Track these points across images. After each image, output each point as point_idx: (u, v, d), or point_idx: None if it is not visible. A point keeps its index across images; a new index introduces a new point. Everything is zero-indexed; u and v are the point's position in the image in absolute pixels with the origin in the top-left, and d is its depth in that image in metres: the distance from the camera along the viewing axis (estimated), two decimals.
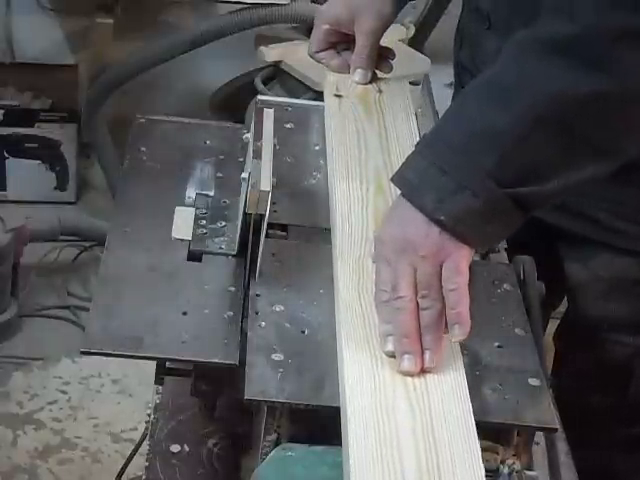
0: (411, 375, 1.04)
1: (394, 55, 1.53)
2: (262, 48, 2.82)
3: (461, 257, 1.06)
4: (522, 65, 1.07)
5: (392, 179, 1.13)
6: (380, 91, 1.49)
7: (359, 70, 1.49)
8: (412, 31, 2.48)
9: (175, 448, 1.23)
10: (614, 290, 1.44)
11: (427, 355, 1.06)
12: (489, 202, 1.04)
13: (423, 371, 1.05)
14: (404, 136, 1.39)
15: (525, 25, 1.31)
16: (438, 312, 1.06)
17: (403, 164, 1.12)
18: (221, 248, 1.24)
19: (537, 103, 1.05)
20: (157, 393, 1.29)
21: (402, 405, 1.01)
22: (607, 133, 1.07)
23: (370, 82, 1.50)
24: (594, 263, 1.44)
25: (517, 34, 1.11)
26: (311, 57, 1.54)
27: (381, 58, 1.50)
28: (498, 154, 1.04)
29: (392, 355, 1.06)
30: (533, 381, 1.10)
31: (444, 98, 1.63)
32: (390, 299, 1.08)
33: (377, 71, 1.50)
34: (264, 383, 1.04)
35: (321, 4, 2.76)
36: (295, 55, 2.80)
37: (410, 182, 1.08)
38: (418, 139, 1.18)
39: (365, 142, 1.36)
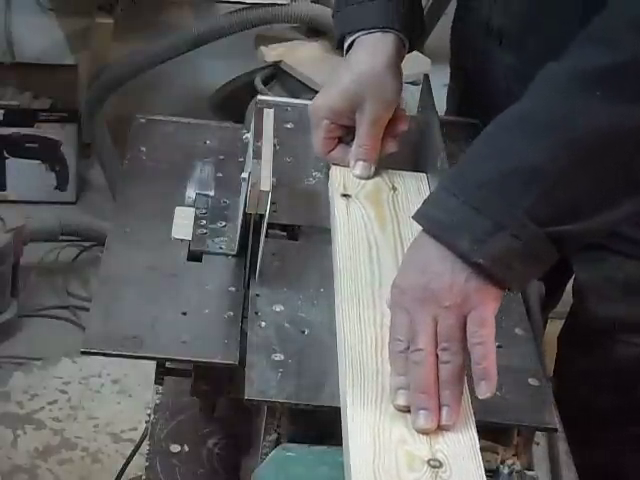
0: (426, 433, 0.99)
1: (405, 125, 1.36)
2: (262, 48, 2.82)
3: (487, 308, 1.00)
4: (559, 98, 1.02)
5: (415, 218, 1.05)
6: (394, 188, 1.32)
7: (361, 163, 1.32)
8: None
9: (175, 448, 1.23)
10: (626, 292, 1.43)
11: (445, 412, 0.99)
12: (528, 242, 0.99)
13: (439, 428, 0.99)
14: None
15: (540, 43, 1.30)
16: (459, 366, 1.00)
17: (428, 202, 1.05)
18: (221, 248, 1.24)
19: (577, 138, 0.99)
20: (157, 393, 1.29)
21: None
22: None
23: (379, 175, 1.33)
24: (605, 265, 1.43)
25: (548, 66, 1.05)
26: (319, 157, 1.37)
27: (385, 135, 1.34)
28: (536, 192, 0.99)
29: (403, 409, 1.01)
30: (533, 381, 1.10)
31: (444, 98, 1.62)
32: (406, 350, 1.01)
33: (383, 152, 1.34)
34: (264, 383, 1.04)
35: (321, 4, 2.76)
36: (295, 55, 2.81)
37: (441, 222, 1.01)
38: None
39: (378, 259, 1.19)
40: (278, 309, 1.15)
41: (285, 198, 1.32)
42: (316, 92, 2.85)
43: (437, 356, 1.00)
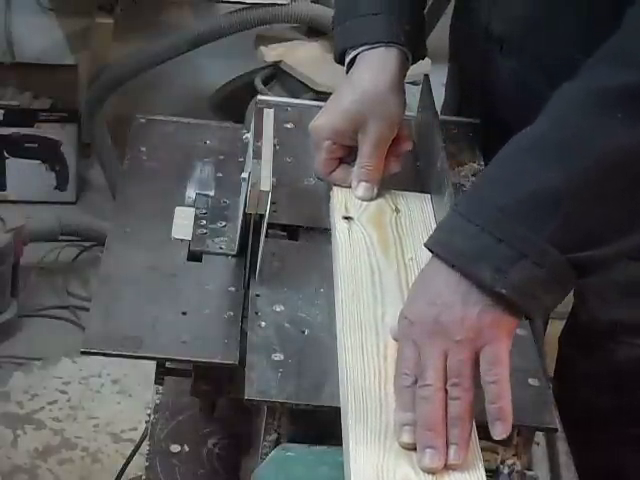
0: (433, 472, 0.95)
1: (409, 145, 1.32)
2: (262, 48, 2.82)
3: (501, 344, 0.97)
4: (578, 120, 0.99)
5: (429, 245, 1.01)
6: (397, 210, 1.28)
7: (363, 184, 1.28)
8: None
9: (175, 448, 1.23)
10: (627, 294, 1.43)
11: (452, 450, 0.95)
12: (551, 269, 0.96)
13: (446, 467, 0.95)
14: None
15: (542, 48, 1.28)
16: (469, 403, 0.96)
17: (443, 229, 1.02)
18: (221, 248, 1.24)
19: (598, 160, 0.96)
20: (157, 393, 1.29)
21: None
22: None
23: (382, 196, 1.29)
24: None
25: (564, 86, 1.02)
26: (321, 179, 1.33)
27: (388, 155, 1.30)
28: (557, 217, 0.96)
29: (408, 447, 0.97)
30: (533, 381, 1.10)
31: (443, 98, 1.62)
32: (414, 385, 0.97)
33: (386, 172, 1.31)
34: (264, 383, 1.04)
35: (321, 4, 2.76)
36: (295, 55, 2.81)
37: (458, 250, 0.97)
38: None
39: (381, 286, 1.15)
40: (278, 309, 1.15)
41: (285, 198, 1.32)
42: (316, 92, 2.85)
43: (446, 392, 0.96)
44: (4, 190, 3.02)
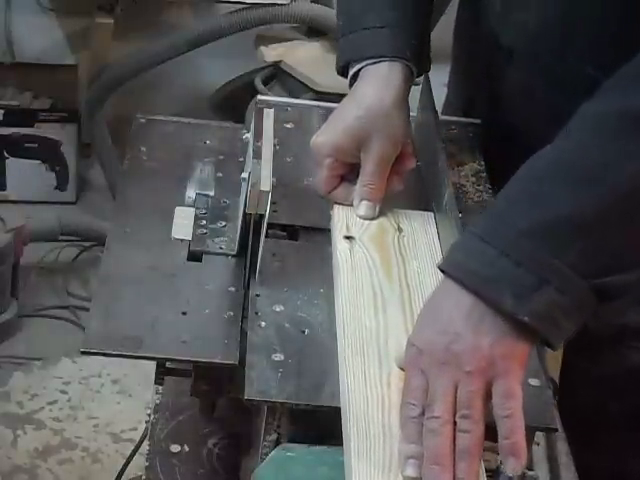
0: None
1: (412, 163, 1.28)
2: (262, 48, 2.82)
3: (514, 376, 0.94)
4: (606, 144, 0.96)
5: (444, 267, 0.98)
6: (400, 229, 1.24)
7: (365, 203, 1.24)
8: None
9: (175, 448, 1.23)
10: (636, 298, 1.42)
11: None
12: (574, 296, 0.94)
13: None
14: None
15: (553, 63, 1.25)
16: (478, 437, 0.93)
17: (459, 250, 0.98)
18: (221, 248, 1.24)
19: (625, 185, 0.94)
20: (157, 393, 1.29)
21: None
22: None
23: (384, 215, 1.25)
24: None
25: (586, 107, 0.99)
26: (322, 197, 1.28)
27: (391, 173, 1.26)
28: (581, 243, 0.93)
29: None
30: (533, 381, 1.10)
31: (444, 98, 1.62)
32: (421, 416, 0.94)
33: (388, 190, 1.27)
34: (264, 383, 1.04)
35: (321, 4, 2.76)
36: (295, 55, 2.81)
37: (478, 274, 0.94)
38: None
39: (384, 308, 1.11)
40: (278, 309, 1.15)
41: (285, 198, 1.32)
42: (316, 92, 2.85)
43: (454, 424, 0.93)
44: (4, 190, 3.03)
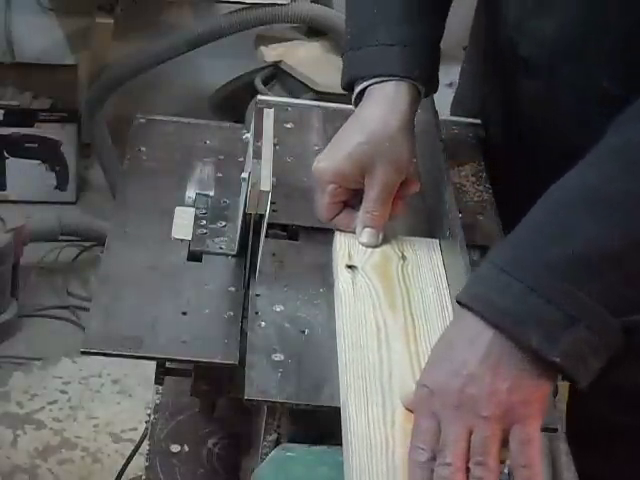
0: None
1: (416, 187, 1.24)
2: (262, 48, 2.83)
3: (533, 422, 0.90)
4: (629, 173, 0.93)
5: (464, 300, 0.93)
6: (404, 258, 1.20)
7: (368, 230, 1.20)
8: None
9: (175, 448, 1.23)
10: None
11: None
12: (604, 334, 0.90)
13: None
14: (436, 329, 1.10)
15: (571, 76, 1.22)
16: None
17: (478, 281, 0.93)
18: (221, 248, 1.24)
19: None
20: (157, 393, 1.29)
21: None
22: None
23: (387, 242, 1.22)
24: None
25: (610, 137, 0.97)
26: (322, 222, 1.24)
27: (395, 199, 1.22)
28: (610, 278, 0.90)
29: None
30: None
31: (444, 98, 1.62)
32: (430, 461, 0.89)
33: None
34: (264, 383, 1.04)
35: (321, 4, 2.76)
36: (295, 55, 2.81)
37: (504, 310, 0.89)
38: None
39: (387, 343, 1.07)
40: (278, 309, 1.15)
41: (285, 198, 1.32)
42: (316, 92, 2.85)
43: (468, 469, 0.89)
44: (4, 190, 3.03)
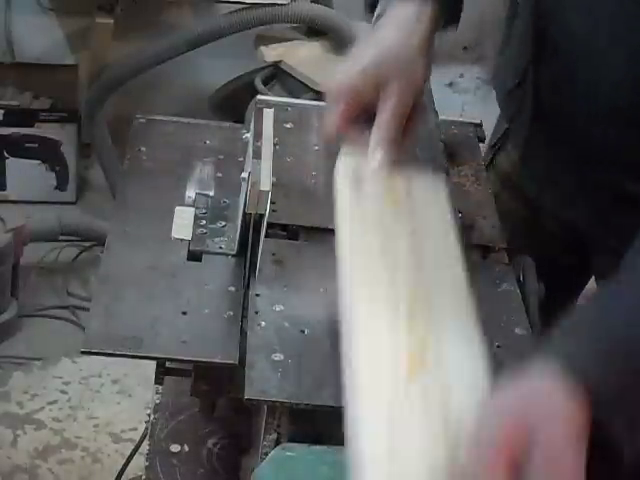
0: None
1: (425, 112, 1.21)
2: (262, 48, 2.83)
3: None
4: None
5: (558, 362, 0.86)
6: (409, 191, 1.15)
7: (379, 150, 1.14)
8: None
9: (175, 448, 1.23)
10: None
11: None
12: None
13: None
14: (440, 248, 1.09)
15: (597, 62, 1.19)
16: None
17: (577, 350, 0.87)
18: (221, 248, 1.24)
19: None
20: (157, 393, 1.29)
21: None
22: None
23: (394, 170, 1.15)
24: None
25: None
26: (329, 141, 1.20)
27: (406, 126, 1.18)
28: None
29: None
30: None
31: (444, 98, 1.62)
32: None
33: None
34: (264, 383, 1.04)
35: (321, 4, 2.76)
36: (295, 55, 2.81)
37: (603, 387, 0.84)
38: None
39: (394, 262, 1.05)
40: (278, 309, 1.15)
41: (285, 198, 1.32)
42: (316, 92, 2.84)
43: None
44: (4, 190, 3.03)
